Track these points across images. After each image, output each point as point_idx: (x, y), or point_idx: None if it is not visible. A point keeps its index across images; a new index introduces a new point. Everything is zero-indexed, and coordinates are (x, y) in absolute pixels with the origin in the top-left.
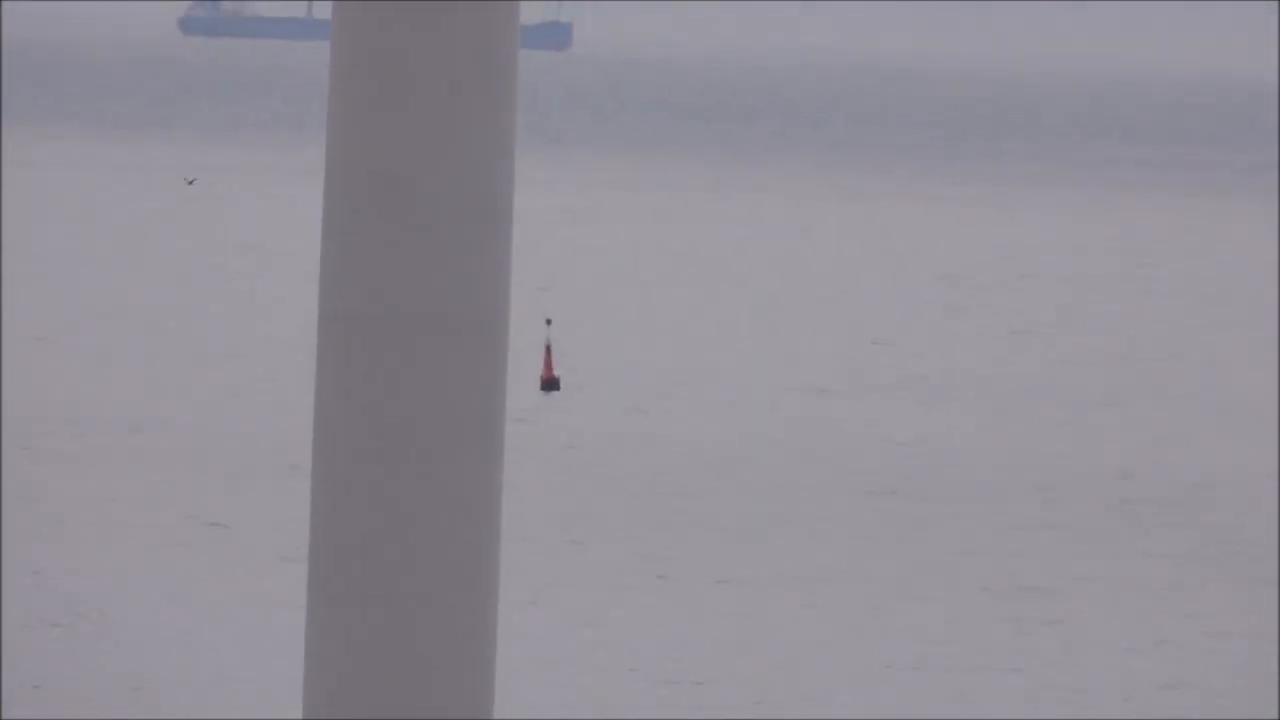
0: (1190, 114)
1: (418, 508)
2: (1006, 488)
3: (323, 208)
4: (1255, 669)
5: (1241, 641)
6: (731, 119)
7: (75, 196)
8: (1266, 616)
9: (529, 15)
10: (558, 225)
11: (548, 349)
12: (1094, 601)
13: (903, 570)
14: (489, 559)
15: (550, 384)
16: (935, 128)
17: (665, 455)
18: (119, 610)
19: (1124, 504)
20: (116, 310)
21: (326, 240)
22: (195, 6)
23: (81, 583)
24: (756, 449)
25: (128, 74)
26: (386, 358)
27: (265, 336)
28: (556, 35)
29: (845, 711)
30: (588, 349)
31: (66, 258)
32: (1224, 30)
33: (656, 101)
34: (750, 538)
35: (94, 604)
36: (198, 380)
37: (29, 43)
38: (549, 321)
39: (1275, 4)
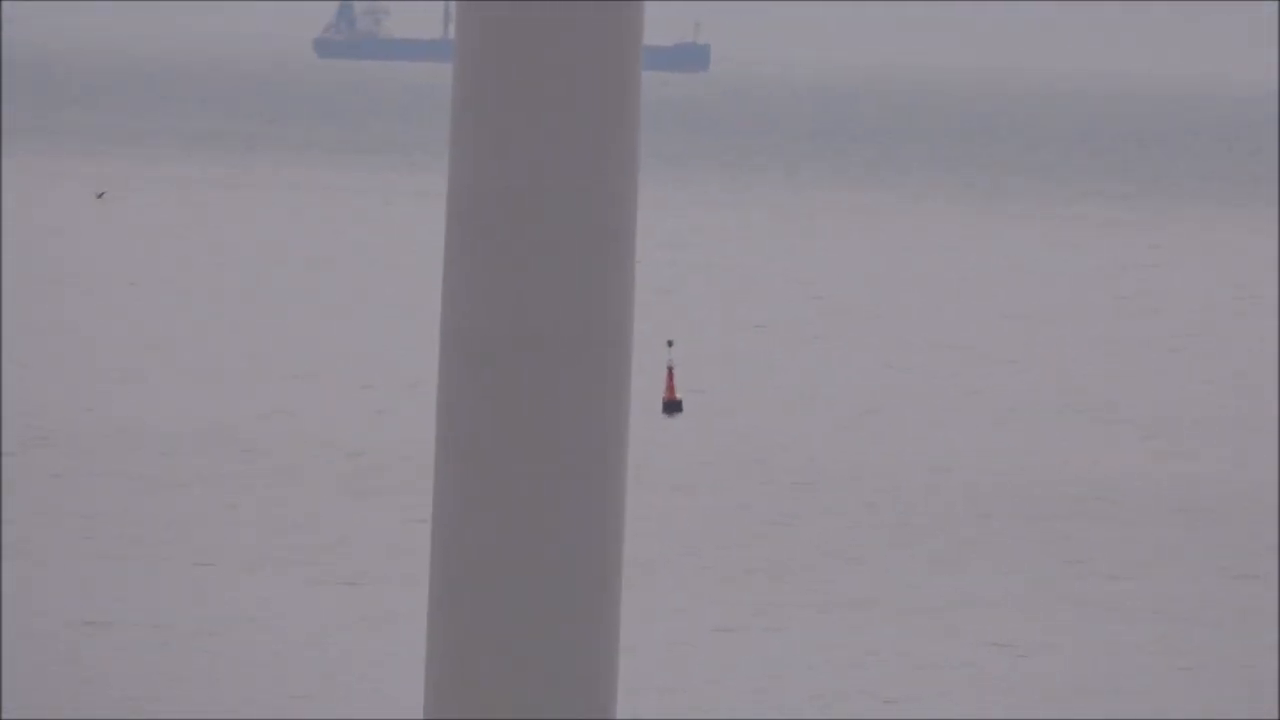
0: None
1: (540, 526)
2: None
3: (445, 225)
4: None
5: None
6: (870, 140)
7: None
8: None
9: (665, 37)
10: (676, 247)
11: (669, 371)
12: None
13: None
14: (611, 578)
15: (672, 405)
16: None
17: (780, 477)
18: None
19: None
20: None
21: (449, 258)
22: (330, 29)
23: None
24: (878, 469)
25: (254, 94)
26: (508, 377)
27: (370, 355)
28: (694, 57)
29: None
30: (706, 371)
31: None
32: None
33: (786, 122)
34: (870, 562)
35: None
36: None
37: (162, 60)
38: (670, 343)
39: None
